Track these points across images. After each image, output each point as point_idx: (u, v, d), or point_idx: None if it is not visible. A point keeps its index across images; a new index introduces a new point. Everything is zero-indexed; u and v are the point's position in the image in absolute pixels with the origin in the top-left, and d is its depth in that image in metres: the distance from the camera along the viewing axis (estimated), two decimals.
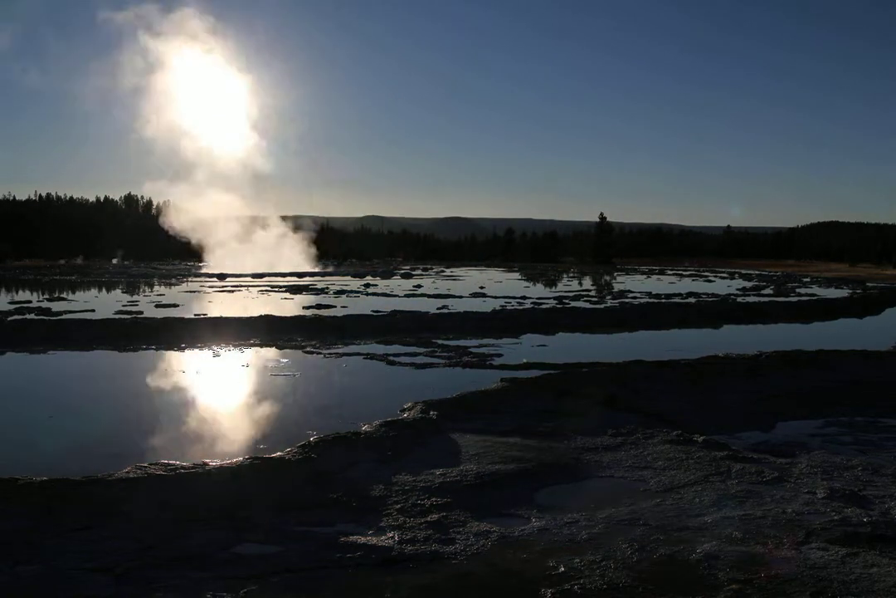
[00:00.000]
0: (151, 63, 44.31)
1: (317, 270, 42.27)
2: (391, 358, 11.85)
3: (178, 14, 44.29)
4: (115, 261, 54.76)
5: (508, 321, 16.96)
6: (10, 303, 20.20)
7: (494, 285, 31.10)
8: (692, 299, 23.51)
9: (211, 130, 50.37)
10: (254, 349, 12.80)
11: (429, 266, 55.44)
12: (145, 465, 5.51)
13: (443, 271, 46.62)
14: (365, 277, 37.06)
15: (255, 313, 16.36)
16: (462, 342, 13.87)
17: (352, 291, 26.24)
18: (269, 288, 27.83)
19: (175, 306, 19.75)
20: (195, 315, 16.44)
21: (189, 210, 47.39)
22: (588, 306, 21.11)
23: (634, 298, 24.37)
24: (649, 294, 25.92)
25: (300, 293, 25.37)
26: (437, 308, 19.10)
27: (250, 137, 48.67)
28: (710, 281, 37.62)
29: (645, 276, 43.55)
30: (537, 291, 29.04)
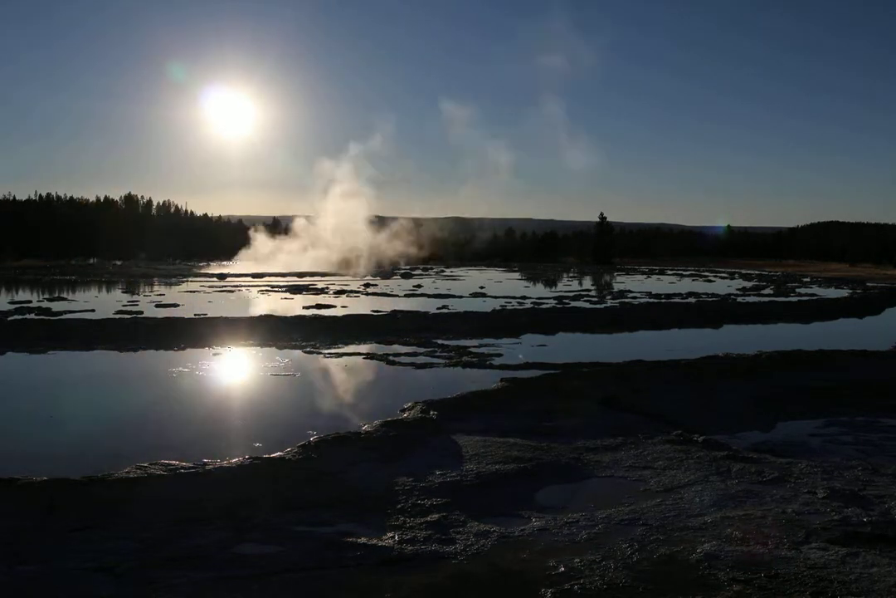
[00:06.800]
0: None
1: (318, 270, 42.22)
2: (391, 358, 11.85)
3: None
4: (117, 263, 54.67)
5: (508, 321, 16.96)
6: (10, 303, 20.19)
7: (494, 285, 31.08)
8: (692, 299, 23.52)
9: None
10: (254, 349, 12.80)
11: (429, 266, 55.40)
12: (145, 465, 5.51)
13: (443, 271, 46.59)
14: (365, 277, 37.05)
15: (256, 313, 16.36)
16: (462, 342, 13.87)
17: (352, 292, 26.25)
18: (268, 288, 27.82)
19: (175, 305, 19.74)
20: (195, 315, 16.43)
21: None
22: (588, 306, 21.12)
23: (634, 298, 24.37)
24: (649, 294, 25.92)
25: (300, 293, 25.36)
26: (437, 308, 19.10)
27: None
28: (710, 281, 37.60)
29: (645, 276, 43.50)
30: (537, 291, 29.03)
